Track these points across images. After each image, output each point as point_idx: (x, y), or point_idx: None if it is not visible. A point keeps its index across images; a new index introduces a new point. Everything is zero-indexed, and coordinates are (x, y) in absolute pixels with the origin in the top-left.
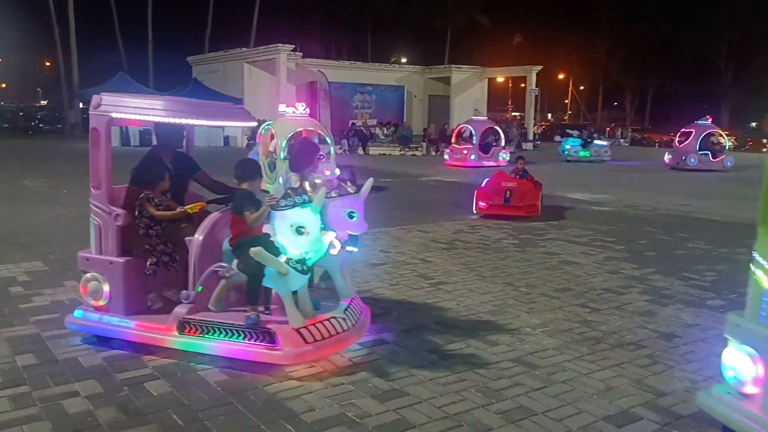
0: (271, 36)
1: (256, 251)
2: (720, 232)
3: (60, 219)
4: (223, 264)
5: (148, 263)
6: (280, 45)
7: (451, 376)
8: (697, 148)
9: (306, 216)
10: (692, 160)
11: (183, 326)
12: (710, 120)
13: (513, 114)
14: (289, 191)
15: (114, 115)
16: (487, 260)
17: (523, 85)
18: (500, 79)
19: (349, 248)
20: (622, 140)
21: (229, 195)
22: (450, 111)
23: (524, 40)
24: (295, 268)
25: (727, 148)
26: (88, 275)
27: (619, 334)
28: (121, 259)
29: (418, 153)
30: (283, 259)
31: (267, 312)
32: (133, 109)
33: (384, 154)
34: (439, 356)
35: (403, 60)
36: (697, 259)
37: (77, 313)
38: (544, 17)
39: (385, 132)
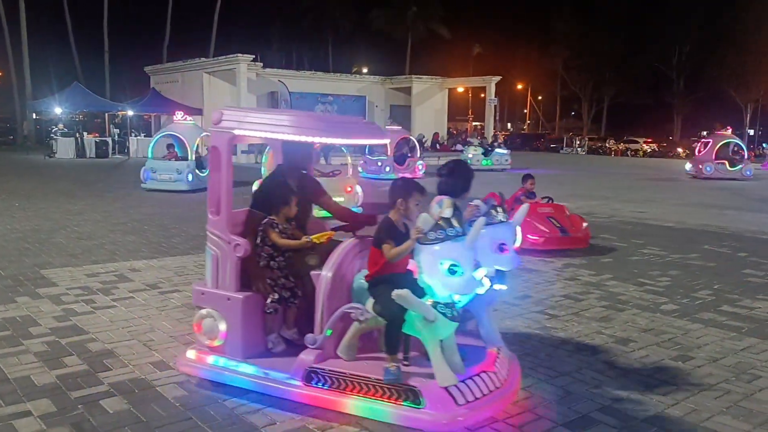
0: (231, 46)
1: (400, 294)
2: (673, 238)
3: (12, 233)
4: (357, 305)
5: (269, 300)
6: (240, 55)
7: None
8: (713, 157)
9: (460, 251)
10: (708, 168)
11: (310, 376)
12: (730, 130)
13: (473, 123)
14: (440, 221)
15: (237, 132)
16: None
17: (482, 95)
18: (460, 89)
19: (497, 286)
20: (579, 149)
21: (357, 224)
22: (411, 121)
23: (483, 51)
24: (443, 314)
25: (746, 158)
26: (203, 311)
27: (577, 340)
28: (240, 295)
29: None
30: (429, 302)
31: (406, 363)
32: (259, 126)
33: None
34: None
35: (364, 70)
36: (652, 264)
37: (190, 354)
38: (502, 28)
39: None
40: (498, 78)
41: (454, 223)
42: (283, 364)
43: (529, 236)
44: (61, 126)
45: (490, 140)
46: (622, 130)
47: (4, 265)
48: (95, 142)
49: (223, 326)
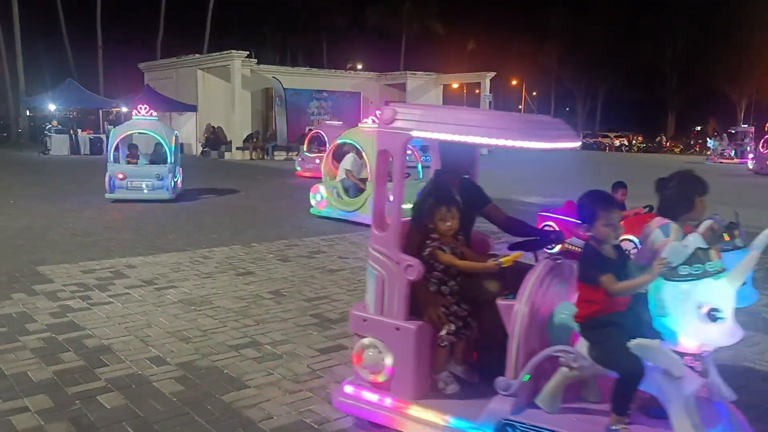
0: (225, 42)
1: (643, 345)
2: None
3: (7, 230)
4: (569, 348)
5: (444, 331)
6: (234, 51)
7: None
8: None
9: (722, 293)
10: None
11: (505, 430)
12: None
13: None
14: (698, 252)
15: (415, 133)
16: None
17: (477, 91)
18: (455, 86)
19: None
20: None
21: (539, 239)
22: None
23: (478, 47)
24: (691, 367)
25: None
26: (365, 341)
27: None
28: (412, 325)
29: None
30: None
31: (627, 423)
32: (445, 127)
33: None
34: None
35: (359, 66)
36: None
37: (349, 389)
38: (497, 24)
39: None
40: (493, 74)
41: (712, 255)
42: (464, 410)
43: None
44: (55, 123)
45: None
46: (617, 125)
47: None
48: (89, 139)
49: (389, 360)
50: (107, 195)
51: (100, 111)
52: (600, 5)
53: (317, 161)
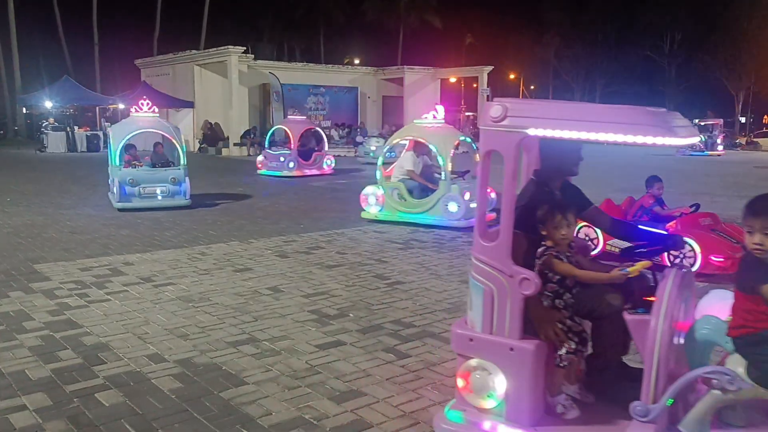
0: (222, 38)
1: None
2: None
3: (4, 228)
4: (723, 369)
5: (564, 350)
6: (231, 47)
7: (407, 375)
8: None
9: None
10: None
11: None
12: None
13: (466, 114)
14: None
15: (532, 132)
16: (442, 259)
17: (475, 85)
18: (453, 80)
19: None
20: None
21: (659, 245)
22: (404, 111)
23: (475, 41)
24: None
25: None
26: (472, 363)
27: None
28: (529, 345)
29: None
30: None
31: None
32: (566, 123)
33: (339, 156)
34: (395, 355)
35: (356, 61)
36: None
37: (453, 415)
38: (494, 18)
39: (340, 133)
40: (490, 68)
41: None
42: None
43: (712, 258)
44: (51, 120)
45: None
46: None
47: None
48: (86, 136)
49: (501, 383)
50: (117, 204)
51: (97, 108)
52: None
53: (281, 158)
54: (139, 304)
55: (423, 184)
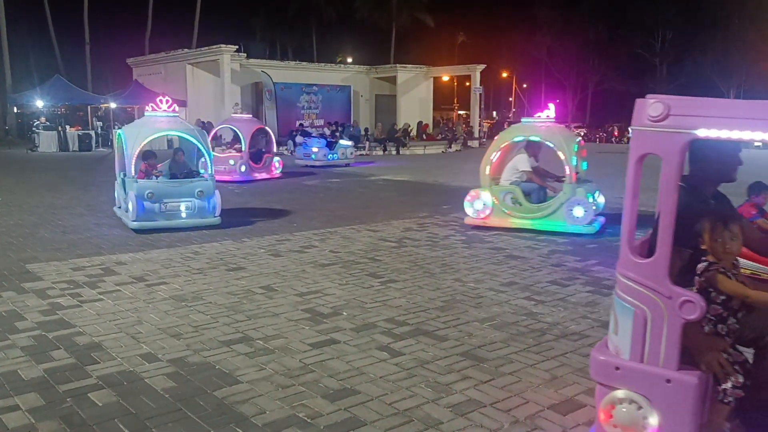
0: (214, 37)
1: None
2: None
3: None
4: None
5: (730, 384)
6: (223, 46)
7: (401, 373)
8: None
9: None
10: None
11: None
12: None
13: (459, 112)
14: None
15: (701, 132)
16: (435, 257)
17: (468, 83)
18: (445, 78)
19: None
20: None
21: None
22: (397, 110)
23: (468, 40)
24: None
25: None
26: (619, 394)
27: (563, 325)
28: (689, 377)
29: (365, 153)
30: None
31: None
32: (746, 123)
33: None
34: (389, 353)
35: (349, 60)
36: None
37: None
38: (487, 16)
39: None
40: (483, 66)
41: None
42: None
43: None
44: (43, 119)
45: (333, 128)
46: (606, 117)
47: None
48: (78, 135)
49: (653, 419)
50: (133, 223)
51: (89, 107)
52: None
53: (231, 162)
54: (132, 304)
55: (546, 186)
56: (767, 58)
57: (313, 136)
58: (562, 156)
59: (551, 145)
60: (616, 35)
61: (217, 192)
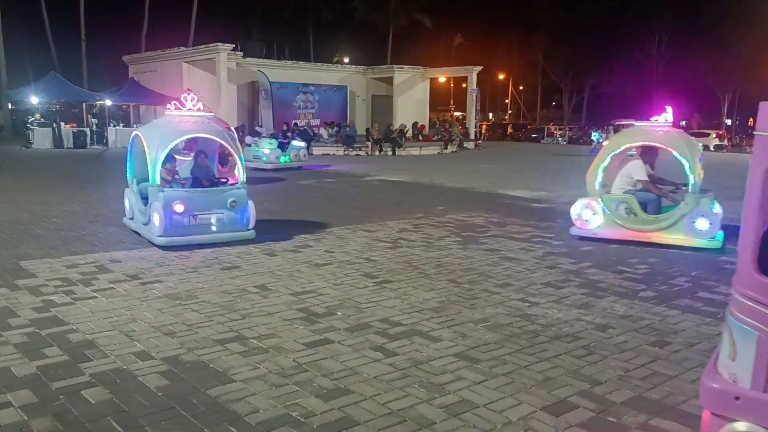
0: (210, 35)
1: None
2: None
3: None
4: None
5: None
6: (220, 44)
7: (394, 373)
8: None
9: None
10: None
11: None
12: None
13: (455, 114)
14: None
15: None
16: (430, 258)
17: (464, 85)
18: (442, 79)
19: None
20: (560, 139)
21: None
22: (393, 111)
23: (465, 41)
24: None
25: None
26: (740, 427)
27: (557, 327)
28: None
29: (362, 153)
30: None
31: None
32: None
33: (327, 154)
34: (383, 354)
35: (346, 60)
36: (631, 252)
37: None
38: (484, 18)
39: (330, 132)
40: (479, 68)
41: None
42: None
43: None
44: (37, 116)
45: (284, 128)
46: (603, 119)
47: None
48: (73, 132)
49: None
50: (161, 239)
51: (84, 104)
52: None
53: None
54: (125, 302)
55: (665, 197)
56: (763, 62)
57: (264, 137)
58: (685, 163)
59: (678, 155)
60: (612, 39)
61: (250, 202)
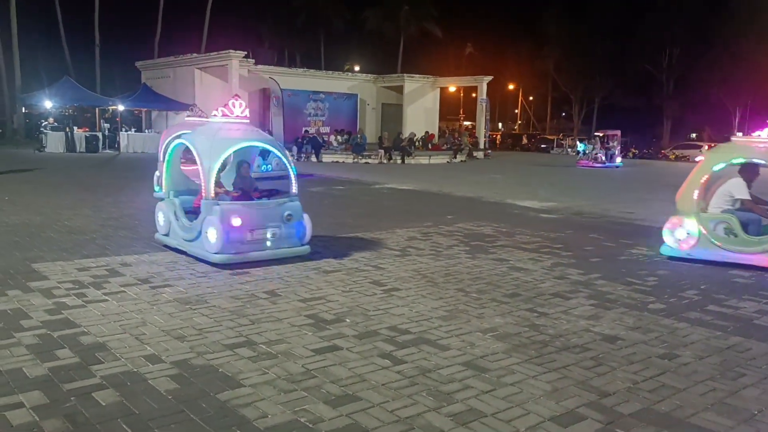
0: (223, 42)
1: None
2: (660, 238)
3: (2, 227)
4: None
5: None
6: (232, 51)
7: (402, 381)
8: None
9: None
10: None
11: None
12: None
13: (464, 123)
14: None
15: None
16: (439, 267)
17: (474, 94)
18: (452, 89)
19: None
20: (569, 149)
21: None
22: (403, 119)
23: (475, 51)
24: None
25: None
26: None
27: (565, 338)
28: None
29: (371, 161)
30: None
31: None
32: None
33: (337, 162)
34: (391, 361)
35: (356, 68)
36: (640, 264)
37: None
38: (494, 29)
39: (339, 140)
40: (489, 78)
41: None
42: None
43: None
44: (51, 120)
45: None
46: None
47: None
48: (85, 136)
49: None
50: (217, 257)
51: (97, 109)
52: (597, 12)
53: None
54: (136, 305)
55: (763, 216)
56: None
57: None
58: None
59: None
60: (623, 51)
61: (306, 215)
